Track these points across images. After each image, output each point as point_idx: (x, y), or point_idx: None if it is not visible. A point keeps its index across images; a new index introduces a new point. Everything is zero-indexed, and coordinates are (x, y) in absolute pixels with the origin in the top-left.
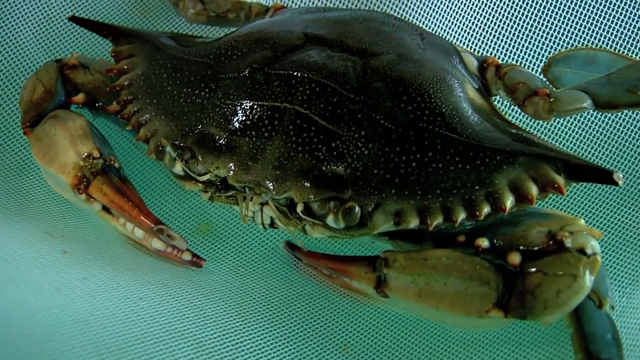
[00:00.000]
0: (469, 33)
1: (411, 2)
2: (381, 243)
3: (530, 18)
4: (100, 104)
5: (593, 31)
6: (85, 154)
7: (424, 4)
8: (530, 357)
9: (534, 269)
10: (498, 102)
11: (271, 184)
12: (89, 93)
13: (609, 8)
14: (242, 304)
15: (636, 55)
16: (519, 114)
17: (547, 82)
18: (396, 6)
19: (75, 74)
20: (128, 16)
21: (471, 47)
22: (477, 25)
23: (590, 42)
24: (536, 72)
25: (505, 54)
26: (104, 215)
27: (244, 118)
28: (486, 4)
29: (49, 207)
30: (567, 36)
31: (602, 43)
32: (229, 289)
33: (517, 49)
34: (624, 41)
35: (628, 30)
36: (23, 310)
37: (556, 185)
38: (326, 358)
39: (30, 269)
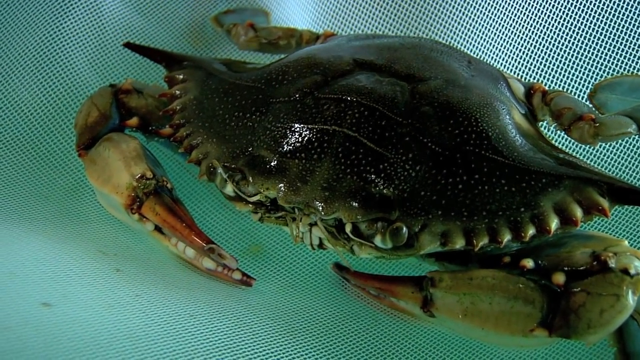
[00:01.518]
0: (516, 60)
1: (459, 30)
2: (428, 265)
3: (577, 45)
4: (153, 127)
5: (639, 58)
6: (139, 175)
7: (472, 32)
8: None
9: (578, 289)
10: (544, 128)
11: (320, 204)
12: (143, 117)
13: None
14: (290, 323)
15: None
16: (565, 139)
17: (593, 108)
18: (444, 34)
19: (129, 99)
20: (181, 43)
21: (518, 74)
22: (524, 52)
23: (636, 68)
24: (582, 98)
25: (551, 81)
26: (156, 235)
27: (293, 141)
28: (534, 32)
29: (103, 228)
30: (612, 63)
31: None
32: (277, 308)
33: (564, 75)
34: None
35: None
36: (76, 325)
37: (600, 208)
38: None
39: (84, 286)
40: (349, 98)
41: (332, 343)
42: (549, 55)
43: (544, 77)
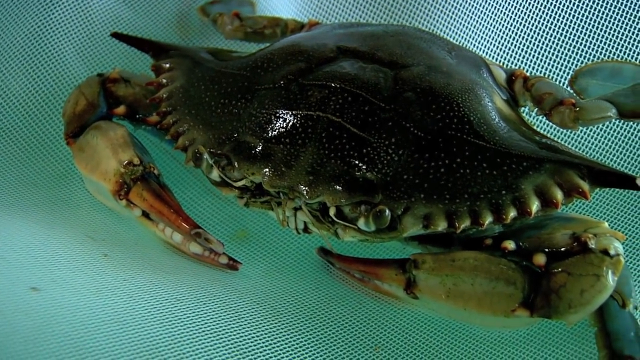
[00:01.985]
0: (497, 47)
1: (441, 18)
2: (411, 248)
3: (557, 32)
4: (140, 115)
5: (619, 44)
6: (126, 161)
7: (454, 19)
8: (556, 354)
9: (558, 270)
10: (526, 113)
11: (304, 188)
12: (130, 105)
13: (634, 22)
14: (276, 307)
15: None
16: (546, 125)
17: (574, 94)
18: (427, 22)
19: (117, 87)
20: (167, 33)
21: (500, 61)
22: (505, 39)
23: (616, 54)
24: (563, 84)
25: (532, 67)
26: (144, 220)
27: (278, 126)
28: (515, 19)
29: (91, 214)
30: (593, 49)
31: (628, 56)
32: (263, 292)
33: (544, 62)
34: None
35: None
36: (65, 309)
37: (581, 190)
38: (358, 358)
39: (73, 271)
40: (332, 84)
41: (317, 325)
42: (530, 42)
43: (525, 64)
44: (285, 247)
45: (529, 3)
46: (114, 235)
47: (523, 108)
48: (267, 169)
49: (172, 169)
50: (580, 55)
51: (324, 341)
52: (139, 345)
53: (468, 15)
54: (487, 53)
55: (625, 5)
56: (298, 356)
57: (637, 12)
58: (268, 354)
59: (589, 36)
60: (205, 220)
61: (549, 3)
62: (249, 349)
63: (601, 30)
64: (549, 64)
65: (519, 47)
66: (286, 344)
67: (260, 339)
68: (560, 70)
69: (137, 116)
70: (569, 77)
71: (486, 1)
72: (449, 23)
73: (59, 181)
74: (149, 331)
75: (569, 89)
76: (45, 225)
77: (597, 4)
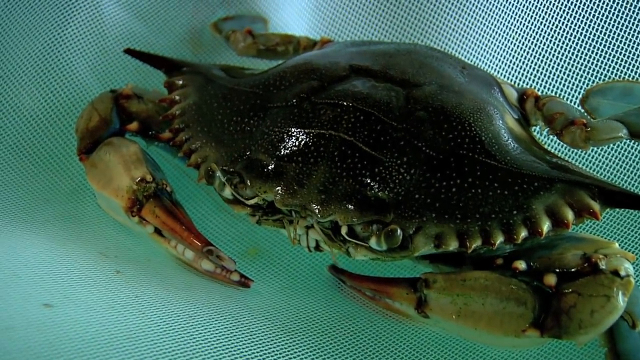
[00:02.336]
0: (509, 66)
1: (453, 37)
2: (422, 266)
3: (569, 52)
4: (153, 132)
5: (630, 64)
6: (139, 178)
7: (466, 38)
8: None
9: (569, 290)
10: (537, 132)
11: (316, 207)
12: (143, 122)
13: None
14: (287, 324)
15: None
16: (557, 144)
17: (585, 113)
18: (439, 40)
19: (130, 104)
20: (180, 49)
21: (511, 80)
22: (517, 58)
23: (628, 74)
24: (574, 103)
25: (544, 86)
26: (156, 237)
27: (290, 145)
28: (527, 39)
29: (103, 230)
30: (605, 69)
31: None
32: (275, 308)
33: (556, 81)
34: None
35: None
36: (77, 325)
37: (592, 211)
38: None
39: (85, 287)
40: (345, 103)
41: (328, 343)
42: (541, 62)
43: (537, 83)
44: (296, 265)
45: (541, 22)
46: (126, 251)
47: (534, 127)
48: (279, 188)
49: (184, 186)
50: (592, 75)
51: (334, 358)
52: None
53: (480, 33)
54: (498, 72)
55: (638, 25)
56: None
57: None
58: None
59: (600, 55)
60: (217, 237)
61: (561, 23)
62: None
63: (613, 49)
64: (560, 82)
65: (530, 66)
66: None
67: (271, 355)
68: (571, 89)
69: (150, 132)
70: (580, 96)
71: (498, 20)
72: (460, 42)
73: (71, 197)
74: (161, 347)
75: (580, 108)
76: (57, 241)
77: (610, 24)
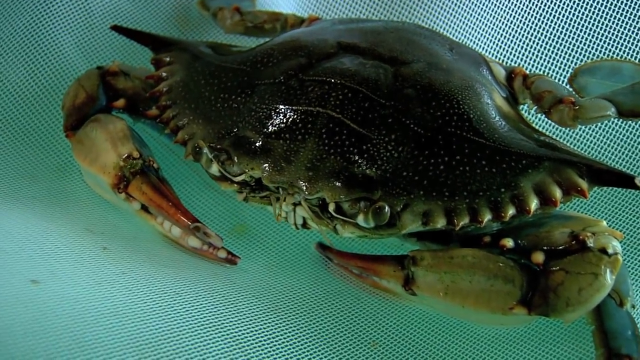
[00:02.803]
0: (497, 44)
1: (442, 15)
2: (410, 244)
3: (557, 30)
4: (140, 109)
5: (619, 43)
6: (125, 155)
7: (455, 16)
8: (554, 352)
9: (556, 268)
10: (525, 111)
11: (304, 184)
12: (129, 98)
13: (634, 21)
14: (274, 301)
15: None
16: (545, 122)
17: (573, 92)
18: (427, 18)
19: (116, 80)
20: (167, 26)
21: (500, 58)
22: (505, 36)
23: (616, 53)
24: (562, 82)
25: (532, 65)
26: (143, 214)
27: (278, 122)
28: (515, 17)
29: (90, 207)
30: (593, 47)
31: (627, 54)
32: (262, 286)
33: (544, 59)
34: None
35: None
36: (64, 301)
37: (579, 189)
38: (355, 353)
39: (72, 264)
40: (332, 80)
41: (315, 320)
42: (529, 40)
43: (525, 61)
44: (284, 242)
45: (530, 1)
46: (113, 228)
47: (522, 106)
48: (266, 164)
49: (171, 163)
50: (580, 54)
51: (321, 336)
52: (138, 338)
53: (468, 12)
54: (486, 50)
55: (626, 4)
56: (296, 350)
57: (638, 11)
58: (266, 347)
59: (589, 34)
60: (204, 214)
61: (549, 1)
62: (247, 343)
63: (601, 28)
64: (548, 61)
65: (518, 45)
66: (284, 338)
67: (258, 333)
68: (560, 68)
69: (137, 109)
70: (569, 75)
71: None
72: (449, 20)
73: (58, 174)
74: (148, 324)
75: (568, 87)
76: (44, 218)
77: (598, 2)
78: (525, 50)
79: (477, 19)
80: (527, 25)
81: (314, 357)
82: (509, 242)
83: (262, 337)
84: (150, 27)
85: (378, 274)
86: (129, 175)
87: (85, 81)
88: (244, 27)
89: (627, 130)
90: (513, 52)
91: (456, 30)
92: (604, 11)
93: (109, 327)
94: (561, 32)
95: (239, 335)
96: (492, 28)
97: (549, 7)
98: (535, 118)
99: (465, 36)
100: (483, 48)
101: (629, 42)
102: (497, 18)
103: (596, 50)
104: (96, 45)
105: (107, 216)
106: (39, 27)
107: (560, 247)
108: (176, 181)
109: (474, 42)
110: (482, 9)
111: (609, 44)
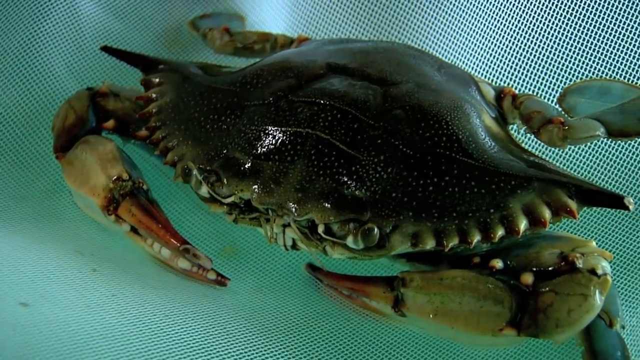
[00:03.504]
0: (487, 64)
1: (431, 35)
2: (399, 265)
3: (546, 50)
4: (129, 130)
5: (608, 62)
6: (115, 177)
7: (444, 36)
8: None
9: (546, 289)
10: (514, 131)
11: (293, 206)
12: (119, 119)
13: (623, 41)
14: (264, 323)
15: None
16: (534, 142)
17: (562, 112)
18: (416, 38)
19: (106, 102)
20: (157, 47)
21: (489, 78)
22: (495, 56)
23: (605, 73)
24: (552, 102)
25: (522, 85)
26: (132, 236)
27: (267, 143)
28: (505, 37)
29: (80, 228)
30: (582, 67)
31: (616, 74)
32: (251, 307)
33: (534, 79)
34: (637, 72)
35: None
36: (53, 324)
37: (569, 210)
38: None
39: (62, 286)
40: (322, 101)
41: (305, 342)
42: (519, 60)
43: (514, 81)
44: (273, 263)
45: (518, 21)
46: (103, 250)
47: (512, 126)
48: (255, 186)
49: (161, 184)
50: (570, 73)
51: (311, 357)
52: None
53: (457, 32)
54: (476, 70)
55: (615, 24)
56: None
57: (627, 31)
58: None
59: (578, 54)
60: (194, 235)
61: (538, 21)
62: None
63: (590, 48)
64: (538, 81)
65: (508, 64)
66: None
67: (248, 355)
68: (549, 87)
69: (127, 130)
70: (558, 95)
71: (476, 19)
72: (438, 40)
73: (47, 195)
74: (137, 347)
75: (557, 106)
76: (34, 240)
77: (587, 22)
78: (515, 70)
79: (467, 38)
80: (517, 45)
81: None
82: (498, 263)
83: (251, 358)
84: (141, 48)
85: (367, 295)
86: (118, 197)
87: (75, 102)
88: (234, 47)
89: (617, 150)
90: (502, 72)
91: (445, 50)
92: (593, 31)
93: (98, 349)
94: (550, 52)
95: (227, 357)
96: (482, 48)
97: (538, 27)
98: (525, 138)
99: (454, 56)
100: (472, 68)
101: (618, 61)
102: (486, 38)
103: (585, 70)
104: (86, 66)
105: (97, 238)
106: (29, 47)
107: (550, 268)
108: (166, 202)
109: (463, 62)
110: (471, 28)
111: (598, 63)
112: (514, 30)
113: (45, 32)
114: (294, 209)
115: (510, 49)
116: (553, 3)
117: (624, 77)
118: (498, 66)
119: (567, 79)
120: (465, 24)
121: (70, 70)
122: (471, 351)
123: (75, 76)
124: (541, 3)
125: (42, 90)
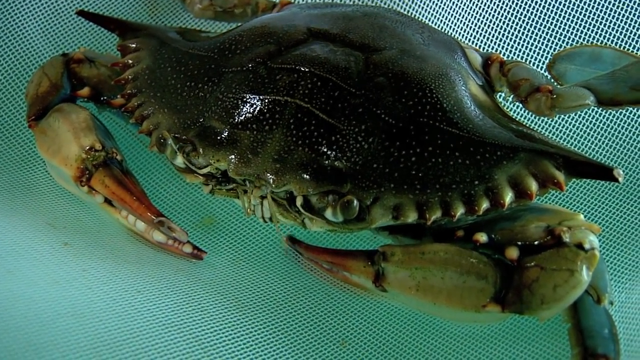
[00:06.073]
0: (473, 29)
1: None
2: (382, 238)
3: (536, 15)
4: (105, 97)
5: (598, 28)
6: (88, 147)
7: (431, 0)
8: (528, 351)
9: (531, 264)
10: (502, 99)
11: (271, 177)
12: (94, 87)
13: (614, 5)
14: (241, 298)
15: None
16: (522, 111)
17: (551, 79)
18: (402, 1)
19: (81, 68)
20: (135, 11)
21: (476, 44)
22: (482, 22)
23: (595, 39)
24: (541, 69)
25: (509, 51)
26: (106, 207)
27: (245, 111)
28: (493, 1)
29: (53, 200)
30: (572, 33)
31: (607, 40)
32: (228, 282)
33: (522, 45)
34: (629, 38)
35: (633, 27)
36: (19, 302)
37: (556, 181)
38: (324, 352)
39: (30, 261)
40: (302, 68)
41: (284, 318)
42: (507, 25)
43: (503, 48)
44: (252, 235)
45: None
46: (76, 222)
47: (499, 93)
48: (232, 156)
49: (138, 152)
50: (559, 39)
51: (290, 335)
52: (96, 340)
53: None
54: (463, 36)
55: None
56: (262, 350)
57: None
58: (231, 348)
59: (568, 19)
60: (171, 206)
61: None
62: (212, 343)
63: (581, 13)
64: (527, 47)
65: (496, 30)
66: (250, 337)
67: (223, 332)
68: (538, 54)
69: (102, 98)
70: (547, 61)
71: None
72: (424, 4)
73: (20, 165)
74: (107, 324)
75: (546, 74)
76: (4, 212)
77: None
78: (503, 35)
79: (454, 2)
80: (505, 9)
81: (280, 358)
82: (482, 237)
83: (226, 336)
84: (119, 12)
85: (348, 269)
86: (91, 168)
87: (49, 69)
88: (214, 11)
89: (607, 119)
90: (490, 37)
91: (431, 14)
92: None
93: (65, 328)
94: (540, 17)
95: (202, 335)
96: (469, 12)
97: None
98: (513, 106)
99: (441, 20)
100: (459, 33)
101: (609, 27)
102: (473, 2)
103: (576, 35)
104: (62, 31)
105: (71, 209)
106: (2, 12)
107: (535, 242)
108: (143, 172)
109: (450, 27)
110: None
111: (589, 29)
112: None
113: None
114: (271, 180)
115: (499, 13)
116: None
117: (616, 43)
118: (486, 31)
119: (557, 44)
120: None
121: (45, 36)
122: (454, 327)
123: (51, 42)
124: None
125: (16, 56)
